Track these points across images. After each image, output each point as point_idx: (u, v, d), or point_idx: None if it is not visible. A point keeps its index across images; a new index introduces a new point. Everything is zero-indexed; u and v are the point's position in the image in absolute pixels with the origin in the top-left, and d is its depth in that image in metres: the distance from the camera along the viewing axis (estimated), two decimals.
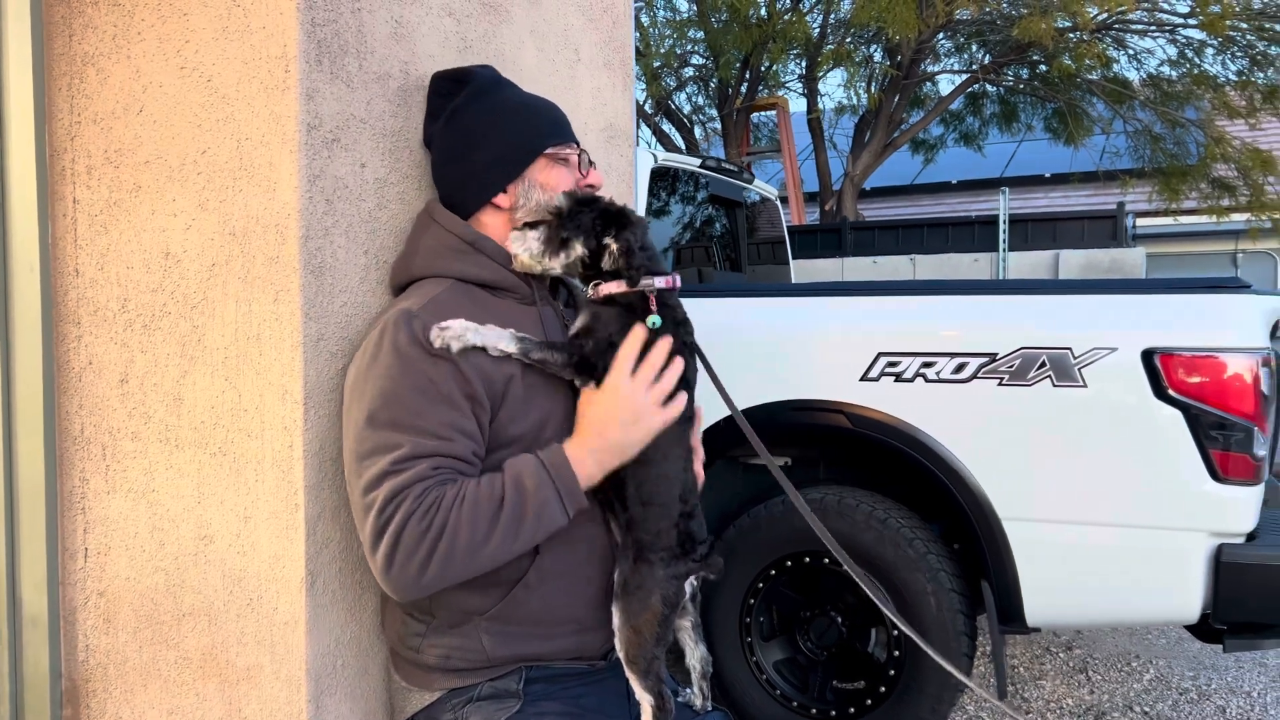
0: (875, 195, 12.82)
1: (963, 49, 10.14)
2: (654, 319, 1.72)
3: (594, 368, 1.71)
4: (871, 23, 6.96)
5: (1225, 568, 3.16)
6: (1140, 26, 9.07)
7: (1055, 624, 3.54)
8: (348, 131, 1.78)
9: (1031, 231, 8.53)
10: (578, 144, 1.87)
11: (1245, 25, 8.02)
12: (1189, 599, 3.22)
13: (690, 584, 1.82)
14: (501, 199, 1.82)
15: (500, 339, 1.67)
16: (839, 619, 3.68)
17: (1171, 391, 3.20)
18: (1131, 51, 9.36)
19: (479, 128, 1.84)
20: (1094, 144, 10.65)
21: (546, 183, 1.81)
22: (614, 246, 1.72)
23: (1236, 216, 9.42)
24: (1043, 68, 9.97)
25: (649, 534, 1.73)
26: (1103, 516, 3.30)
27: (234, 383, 1.72)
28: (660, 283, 1.74)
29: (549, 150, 1.82)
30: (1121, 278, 5.22)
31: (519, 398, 1.69)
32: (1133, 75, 9.45)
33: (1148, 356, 3.23)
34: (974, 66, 9.97)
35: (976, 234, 8.69)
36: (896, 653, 3.55)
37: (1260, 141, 9.14)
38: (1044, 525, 3.37)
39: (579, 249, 1.75)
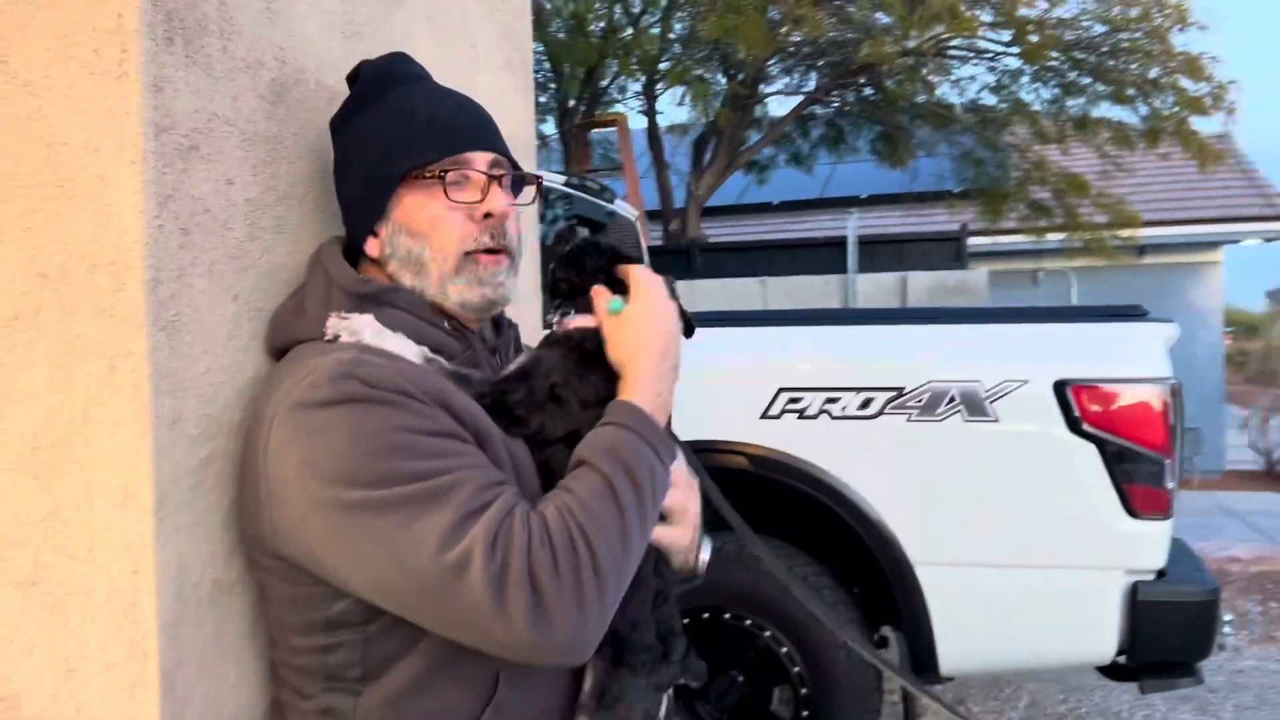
0: (712, 214, 12.80)
1: (799, 71, 10.22)
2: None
3: (513, 418, 1.38)
4: (723, 39, 6.82)
5: (1141, 606, 3.05)
6: (960, 54, 9.36)
7: (970, 671, 3.36)
8: (210, 136, 1.32)
9: (878, 253, 8.63)
10: (496, 149, 1.45)
11: (1059, 55, 8.40)
12: (1105, 640, 3.10)
13: (668, 698, 1.47)
14: (371, 245, 1.45)
15: (404, 349, 1.34)
16: (741, 678, 3.38)
17: (1085, 425, 3.08)
18: (955, 78, 9.67)
19: (348, 151, 1.46)
20: (923, 166, 10.98)
21: (414, 221, 1.40)
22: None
23: (1052, 236, 9.89)
24: (868, 91, 10.16)
25: (626, 625, 1.37)
26: (1018, 558, 3.15)
27: (47, 484, 1.23)
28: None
29: (412, 172, 1.40)
30: (1027, 306, 5.20)
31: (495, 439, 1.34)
32: (955, 100, 9.76)
33: (1060, 388, 3.09)
34: (809, 89, 10.06)
35: (823, 255, 8.71)
36: (805, 713, 3.27)
37: (1074, 166, 9.63)
38: (958, 569, 3.18)
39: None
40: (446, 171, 1.38)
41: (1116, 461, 3.04)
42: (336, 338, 1.32)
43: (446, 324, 1.42)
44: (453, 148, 1.40)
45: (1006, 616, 3.16)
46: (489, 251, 1.41)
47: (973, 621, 3.17)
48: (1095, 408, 3.05)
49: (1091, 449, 3.06)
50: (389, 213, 1.40)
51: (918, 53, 8.54)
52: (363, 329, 1.31)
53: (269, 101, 1.44)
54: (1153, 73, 8.09)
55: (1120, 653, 3.10)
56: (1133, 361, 3.09)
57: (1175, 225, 13.08)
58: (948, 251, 8.40)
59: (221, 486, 1.34)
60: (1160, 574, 3.10)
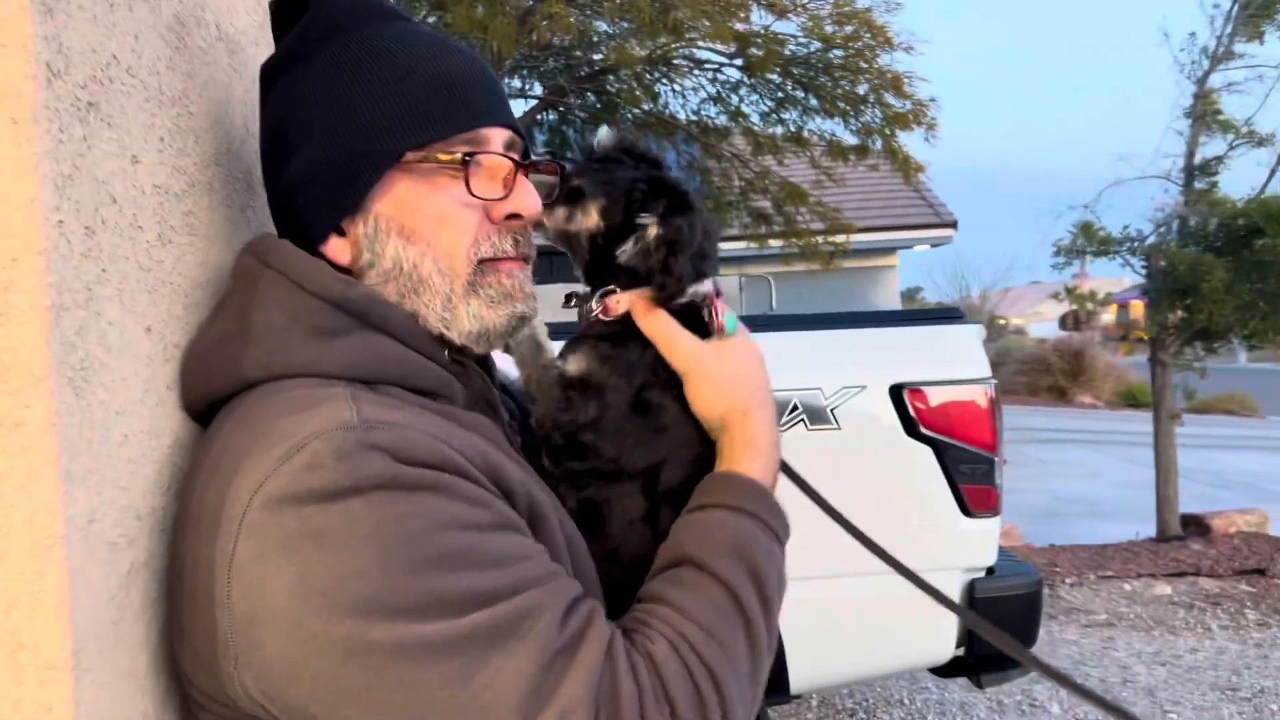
0: None
1: (532, 73, 10.00)
2: (731, 319, 1.12)
3: (582, 452, 1.09)
4: (473, 33, 6.45)
5: (978, 603, 3.12)
6: (683, 64, 9.57)
7: (819, 687, 3.30)
8: (111, 90, 0.89)
9: None
10: (514, 125, 1.09)
11: (778, 68, 8.80)
12: (945, 640, 3.15)
13: None
14: (336, 248, 1.04)
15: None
16: None
17: (922, 428, 3.10)
18: (678, 88, 9.85)
19: (298, 112, 1.03)
20: None
21: (410, 218, 1.02)
22: (653, 232, 1.08)
23: (773, 243, 10.38)
24: (590, 97, 10.15)
25: None
26: (864, 566, 3.11)
27: None
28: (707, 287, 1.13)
29: (413, 154, 1.02)
30: (861, 311, 5.24)
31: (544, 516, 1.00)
32: (680, 111, 9.96)
33: (896, 393, 3.10)
34: (536, 94, 9.87)
35: (552, 264, 8.48)
36: None
37: (794, 176, 10.15)
38: (808, 583, 3.08)
39: (593, 213, 1.12)
40: (471, 156, 1.02)
41: (951, 462, 3.09)
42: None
43: (446, 353, 1.07)
44: (471, 120, 1.03)
45: (854, 627, 3.13)
46: (511, 258, 1.07)
47: (822, 635, 3.11)
48: (930, 411, 3.09)
49: (928, 451, 3.10)
50: (368, 205, 1.02)
51: (649, 61, 8.60)
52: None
53: (171, 47, 1.02)
54: (861, 89, 8.69)
55: (958, 652, 3.16)
56: (959, 363, 3.16)
57: (862, 233, 14.22)
58: None
59: (150, 612, 0.91)
60: (989, 570, 3.19)
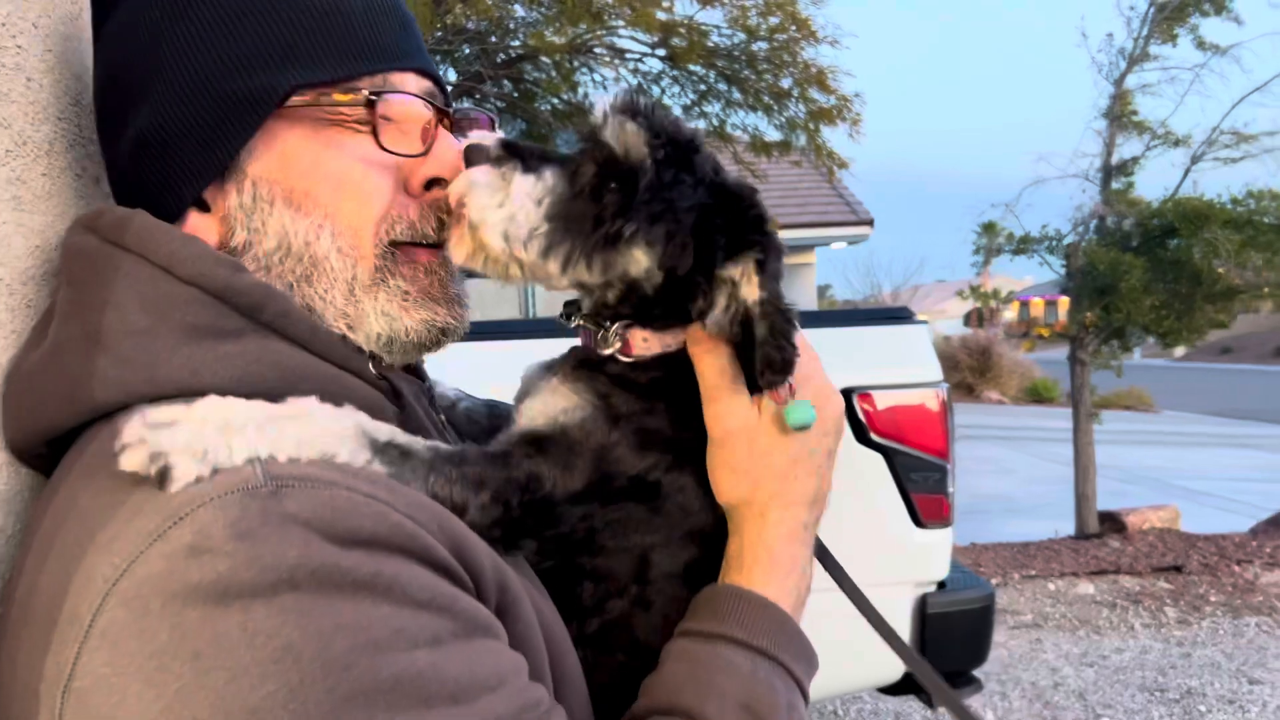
0: None
1: (449, 59, 9.64)
2: (802, 412, 0.85)
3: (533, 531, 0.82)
4: None
5: (931, 618, 2.97)
6: (604, 54, 9.34)
7: None
8: None
9: None
10: (430, 70, 0.87)
11: (700, 60, 8.63)
12: (895, 659, 3.00)
13: None
14: (197, 226, 0.80)
15: (341, 449, 0.70)
16: None
17: (873, 434, 2.93)
18: (598, 78, 9.62)
19: (150, 46, 0.78)
20: None
21: (301, 179, 0.79)
22: (754, 295, 0.82)
23: None
24: (507, 85, 9.86)
25: None
26: (815, 583, 2.96)
27: None
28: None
29: (300, 95, 0.79)
30: (806, 310, 5.03)
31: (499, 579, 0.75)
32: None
33: (845, 396, 2.94)
34: (455, 79, 9.52)
35: None
36: None
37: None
38: None
39: (643, 260, 0.82)
40: (376, 96, 0.78)
41: (902, 470, 2.93)
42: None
43: (371, 367, 0.82)
44: (376, 59, 0.80)
45: None
46: (431, 246, 0.84)
47: None
48: (882, 415, 2.92)
49: (879, 459, 2.93)
50: (242, 165, 0.78)
51: (568, 49, 8.34)
52: (235, 424, 0.66)
53: None
54: (785, 83, 8.58)
55: (906, 671, 3.01)
56: (909, 365, 3.00)
57: (782, 230, 14.22)
58: None
59: None
60: (940, 584, 3.05)
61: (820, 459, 0.88)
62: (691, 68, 8.81)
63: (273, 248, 0.79)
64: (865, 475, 2.95)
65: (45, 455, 0.72)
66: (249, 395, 0.70)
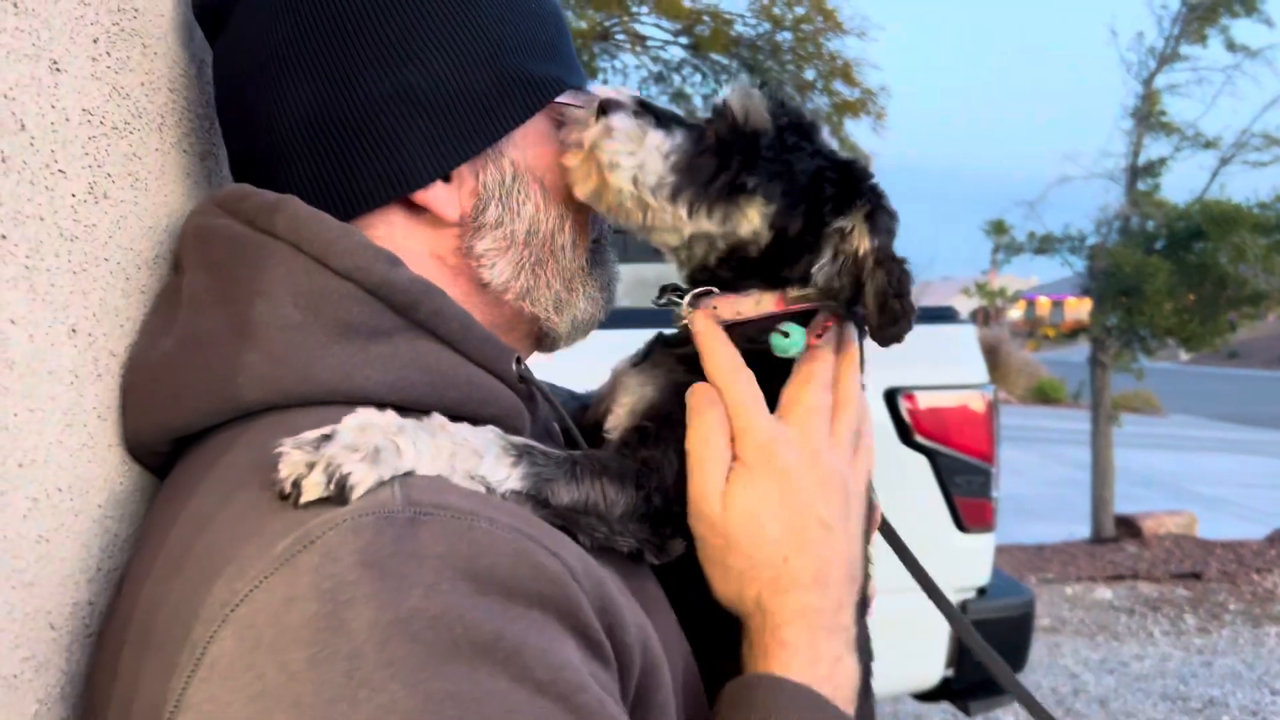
0: None
1: None
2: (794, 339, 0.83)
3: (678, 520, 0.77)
4: None
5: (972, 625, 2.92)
6: (624, 40, 9.26)
7: None
8: None
9: None
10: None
11: (723, 49, 8.55)
12: (934, 663, 2.94)
13: None
14: (441, 198, 0.77)
15: (484, 459, 0.66)
16: None
17: (918, 436, 2.87)
18: (618, 64, 9.54)
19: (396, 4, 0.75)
20: None
21: (549, 175, 0.82)
22: (865, 244, 0.81)
23: None
24: None
25: None
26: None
27: None
28: None
29: (569, 95, 0.82)
30: None
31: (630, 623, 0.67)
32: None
33: (891, 398, 2.87)
34: None
35: None
36: None
37: None
38: None
39: (755, 219, 0.82)
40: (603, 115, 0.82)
41: (948, 473, 2.88)
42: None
43: (515, 365, 0.76)
44: (582, 73, 0.86)
45: None
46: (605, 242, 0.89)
47: None
48: (927, 417, 2.86)
49: (923, 461, 2.88)
50: (502, 144, 0.78)
51: (590, 34, 8.26)
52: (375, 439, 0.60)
53: None
54: (809, 74, 8.50)
55: (946, 676, 2.96)
56: (956, 366, 2.94)
57: None
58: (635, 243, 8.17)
59: None
60: (981, 590, 3.00)
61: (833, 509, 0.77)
62: (714, 56, 8.73)
63: (524, 230, 0.79)
64: (908, 477, 2.90)
65: (163, 454, 0.67)
66: (398, 400, 0.65)
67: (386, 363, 0.66)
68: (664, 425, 0.79)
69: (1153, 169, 7.85)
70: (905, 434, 2.88)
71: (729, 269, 0.85)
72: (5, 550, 0.52)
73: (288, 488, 0.55)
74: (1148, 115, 7.86)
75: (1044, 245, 8.32)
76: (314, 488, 0.55)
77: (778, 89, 0.89)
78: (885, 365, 2.92)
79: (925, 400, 2.88)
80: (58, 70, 0.59)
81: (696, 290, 0.86)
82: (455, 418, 0.66)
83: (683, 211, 0.81)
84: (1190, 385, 28.29)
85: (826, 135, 0.86)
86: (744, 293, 0.84)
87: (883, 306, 0.79)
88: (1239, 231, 6.98)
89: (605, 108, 0.79)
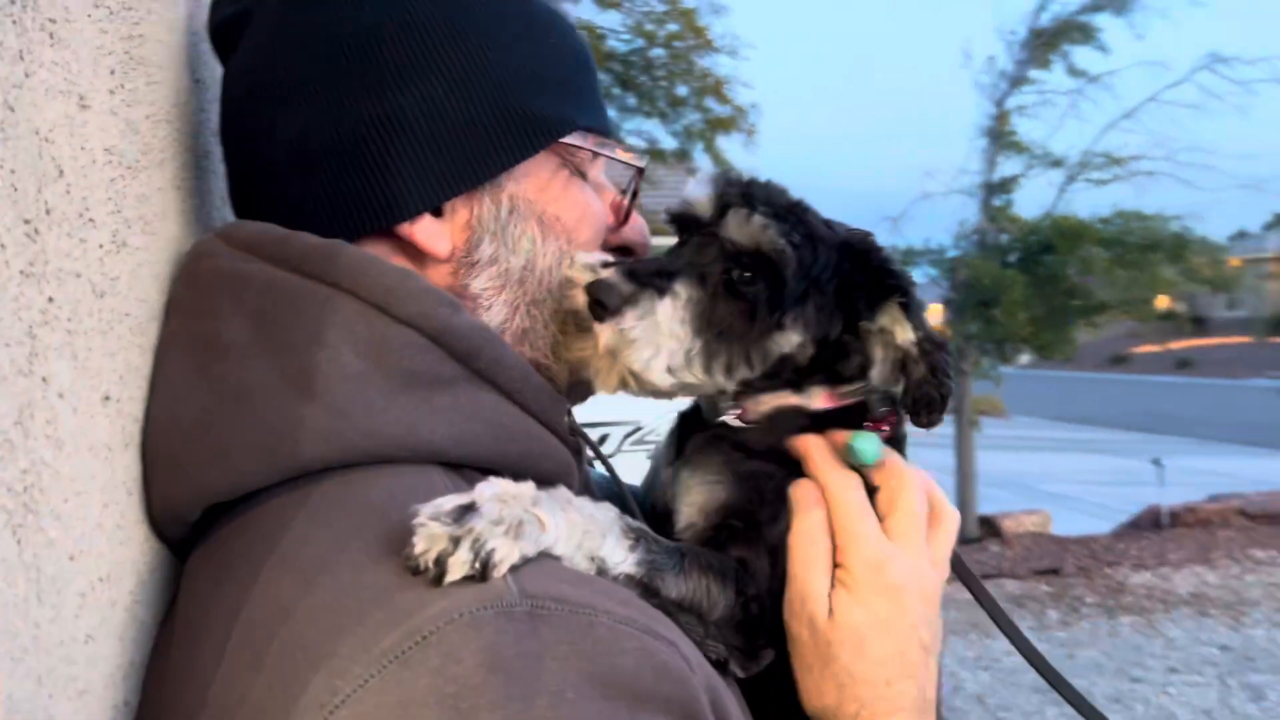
0: None
1: None
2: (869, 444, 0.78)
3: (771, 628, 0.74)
4: None
5: None
6: None
7: None
8: None
9: None
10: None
11: (597, 63, 8.58)
12: None
13: None
14: (430, 231, 0.71)
15: (606, 539, 0.64)
16: None
17: None
18: None
19: (403, 31, 0.71)
20: None
21: (550, 209, 0.76)
22: (907, 337, 0.80)
23: None
24: None
25: None
26: None
27: None
28: None
29: (577, 136, 0.77)
30: None
31: None
32: None
33: None
34: None
35: None
36: None
37: None
38: None
39: (795, 339, 0.79)
40: (640, 167, 0.85)
41: None
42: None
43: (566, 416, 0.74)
44: (605, 116, 0.81)
45: None
46: None
47: None
48: None
49: None
50: (501, 178, 0.72)
51: None
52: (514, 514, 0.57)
53: None
54: (682, 90, 8.61)
55: None
56: None
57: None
58: None
59: None
60: None
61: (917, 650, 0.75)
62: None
63: (519, 265, 0.73)
64: None
65: (186, 525, 0.60)
66: (464, 455, 0.62)
67: (450, 415, 0.62)
68: (750, 525, 0.77)
69: (1006, 186, 8.28)
70: None
71: (780, 381, 0.81)
72: (61, 657, 0.46)
73: (427, 564, 0.51)
74: (1000, 135, 8.28)
75: (906, 259, 8.65)
76: (460, 566, 0.51)
77: (751, 184, 0.82)
78: None
79: None
80: (85, 107, 0.53)
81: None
82: (516, 474, 0.62)
83: (720, 375, 0.77)
84: (1030, 388, 29.94)
85: (814, 216, 0.82)
86: (800, 390, 0.81)
87: (922, 398, 0.79)
88: (1085, 245, 7.43)
89: (598, 297, 0.73)
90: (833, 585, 0.72)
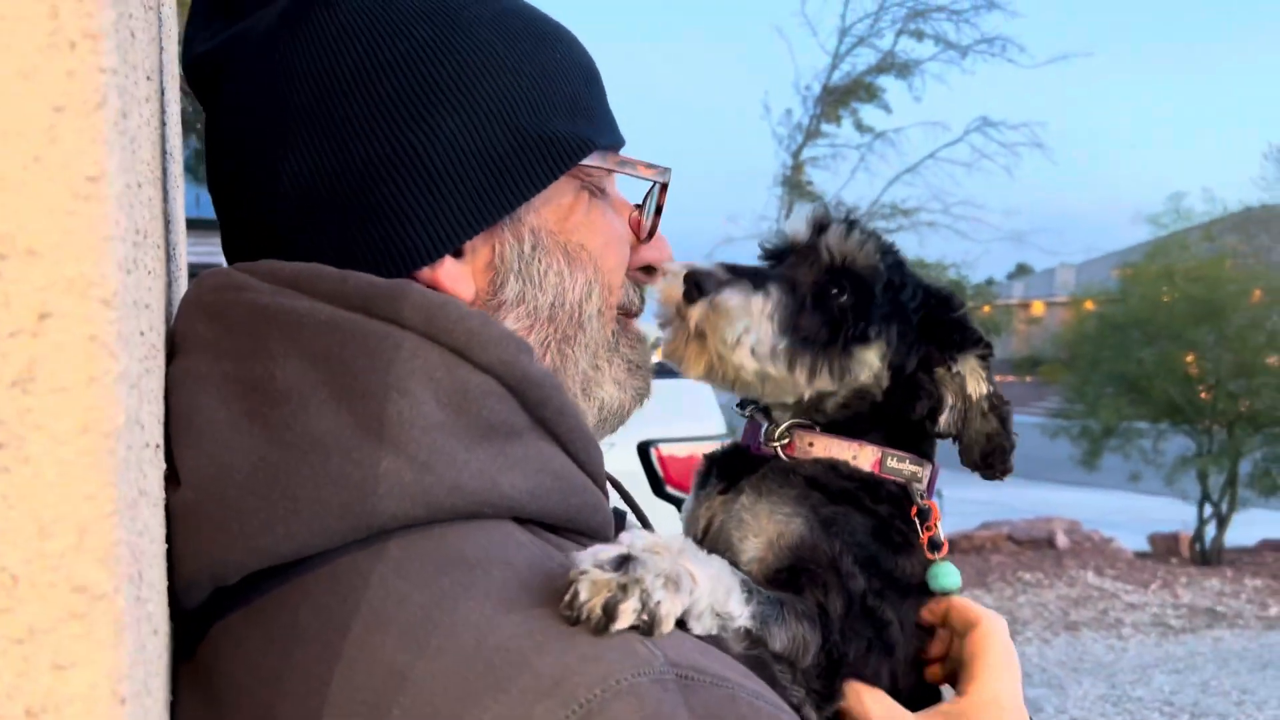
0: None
1: None
2: (948, 573, 0.83)
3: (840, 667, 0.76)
4: None
5: None
6: None
7: None
8: (135, 23, 0.49)
9: None
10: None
11: None
12: None
13: None
14: (452, 275, 0.68)
15: (732, 594, 0.67)
16: None
17: (669, 488, 3.01)
18: None
19: (405, 62, 0.67)
20: None
21: (574, 238, 0.73)
22: (981, 389, 0.84)
23: None
24: None
25: None
26: None
27: None
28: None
29: (598, 156, 0.73)
30: None
31: None
32: None
33: (644, 450, 2.99)
34: None
35: None
36: None
37: None
38: None
39: (875, 362, 0.83)
40: (661, 188, 0.79)
41: None
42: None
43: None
44: (619, 133, 0.77)
45: None
46: (636, 315, 0.80)
47: None
48: (677, 469, 3.00)
49: (674, 511, 3.00)
50: (521, 211, 0.69)
51: None
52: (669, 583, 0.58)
53: None
54: None
55: None
56: (705, 419, 3.12)
57: None
58: None
59: None
60: None
61: None
62: None
63: (548, 302, 0.70)
64: (661, 527, 3.00)
65: (219, 592, 0.55)
66: (538, 510, 0.61)
67: (524, 467, 0.60)
68: (829, 570, 0.77)
69: None
70: (657, 485, 2.99)
71: (848, 413, 0.84)
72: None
73: (593, 612, 0.50)
74: (796, 184, 8.78)
75: None
76: (629, 614, 0.51)
77: (851, 215, 0.88)
78: (639, 419, 3.03)
79: (670, 451, 3.01)
80: (149, 79, 0.50)
81: (795, 421, 0.85)
82: (576, 528, 0.63)
83: (802, 377, 0.80)
84: None
85: (904, 259, 0.88)
86: (852, 440, 0.84)
87: (995, 450, 0.84)
88: None
89: (697, 280, 0.77)
90: None
